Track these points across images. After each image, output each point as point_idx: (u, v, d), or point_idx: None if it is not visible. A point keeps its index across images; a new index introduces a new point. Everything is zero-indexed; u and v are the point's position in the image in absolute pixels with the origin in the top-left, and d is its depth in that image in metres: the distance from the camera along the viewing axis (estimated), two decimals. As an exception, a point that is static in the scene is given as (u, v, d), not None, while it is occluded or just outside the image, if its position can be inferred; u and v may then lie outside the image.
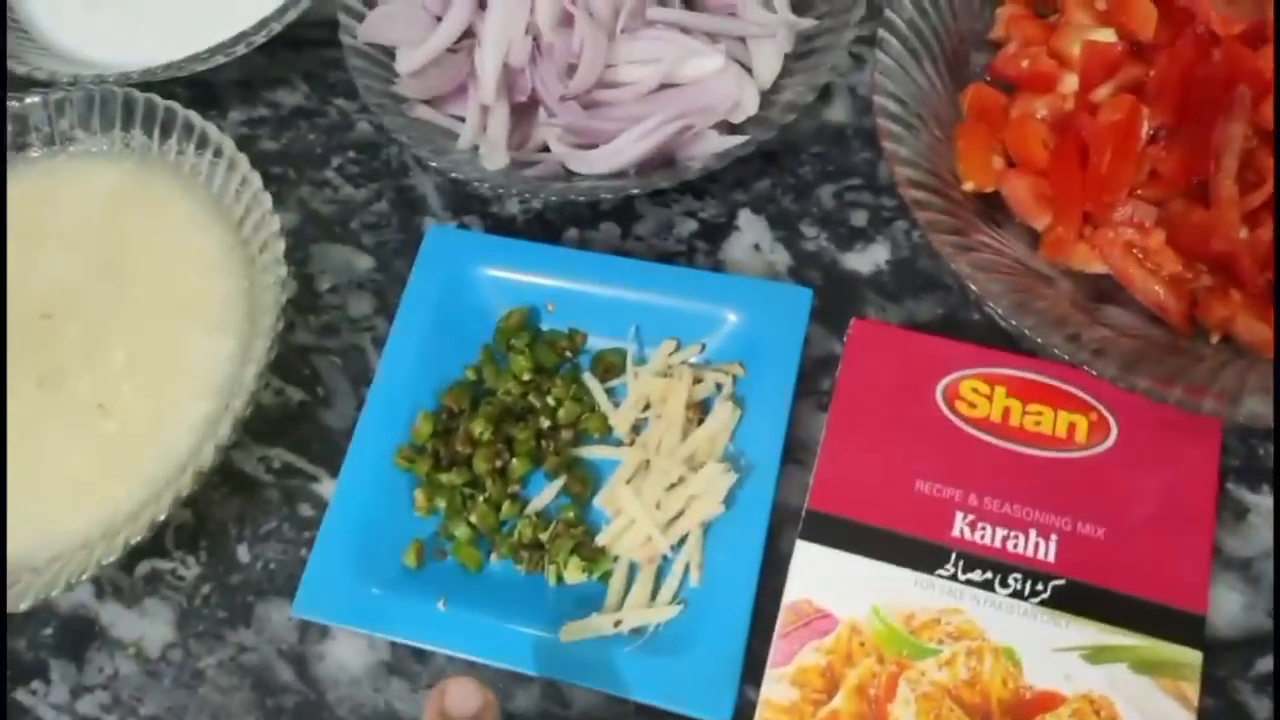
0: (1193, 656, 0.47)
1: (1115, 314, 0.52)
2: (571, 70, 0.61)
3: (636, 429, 0.56)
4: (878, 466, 0.52)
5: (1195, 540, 0.49)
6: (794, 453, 0.54)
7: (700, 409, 0.55)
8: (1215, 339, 0.52)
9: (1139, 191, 0.54)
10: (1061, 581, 0.48)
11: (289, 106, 0.70)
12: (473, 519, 0.54)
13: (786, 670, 0.48)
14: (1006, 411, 0.52)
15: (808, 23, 0.63)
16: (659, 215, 0.63)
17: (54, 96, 0.62)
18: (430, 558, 0.54)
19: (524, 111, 0.63)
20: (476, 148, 0.61)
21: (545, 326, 0.59)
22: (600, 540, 0.53)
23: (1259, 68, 0.52)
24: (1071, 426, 0.52)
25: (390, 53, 0.64)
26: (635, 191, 0.58)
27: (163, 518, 0.50)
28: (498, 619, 0.50)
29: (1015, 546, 0.49)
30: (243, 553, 0.56)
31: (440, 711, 0.39)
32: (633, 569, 0.52)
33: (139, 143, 0.62)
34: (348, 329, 0.62)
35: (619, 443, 0.55)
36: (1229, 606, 0.51)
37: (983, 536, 0.50)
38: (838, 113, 0.65)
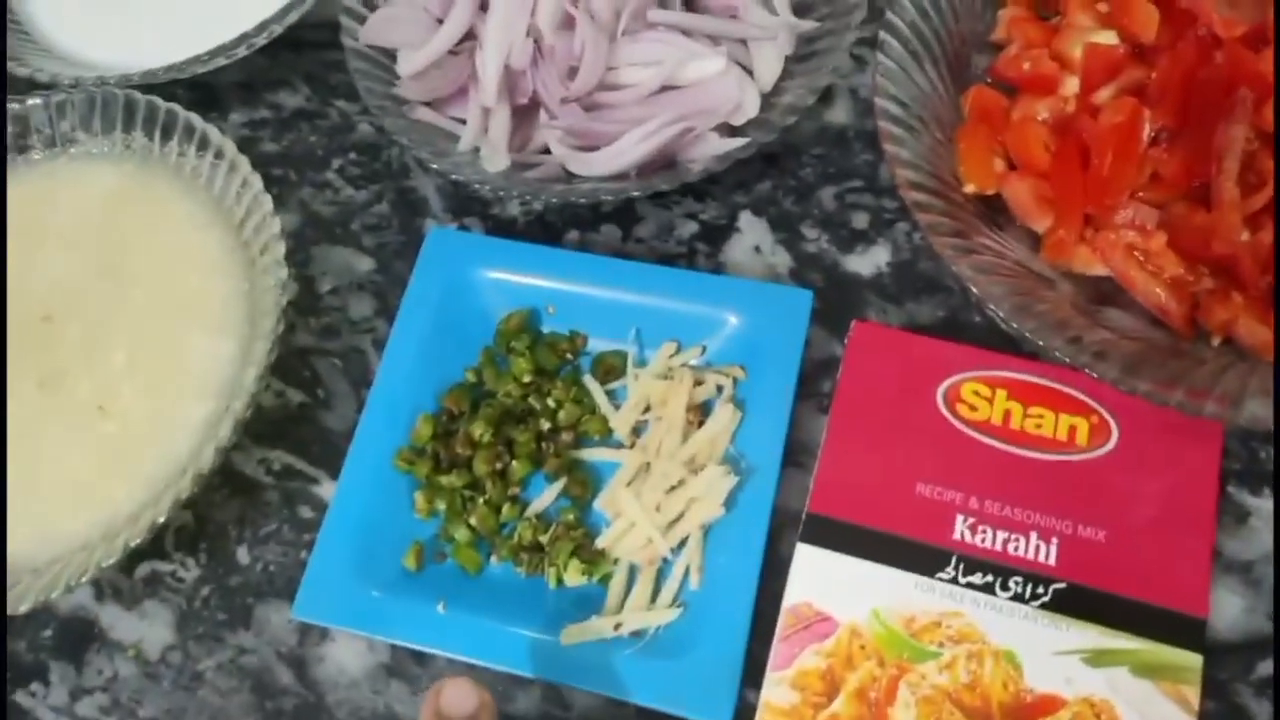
0: (1193, 660, 0.47)
1: (1116, 316, 0.52)
2: (572, 72, 0.61)
3: (637, 431, 0.56)
4: (878, 469, 0.52)
5: (1196, 543, 0.49)
6: (794, 455, 0.54)
7: (701, 411, 0.55)
8: (1217, 342, 0.52)
9: (1140, 194, 0.54)
10: (1062, 585, 0.48)
11: (290, 108, 0.70)
12: (473, 521, 0.54)
13: (786, 673, 0.48)
14: (1007, 414, 0.52)
15: (809, 25, 0.63)
16: (660, 217, 0.63)
17: (55, 98, 0.62)
18: (430, 560, 0.54)
19: (525, 114, 0.63)
20: (477, 150, 0.61)
21: (546, 328, 0.59)
22: (600, 543, 0.52)
23: (1260, 70, 0.52)
24: (1072, 429, 0.52)
25: (391, 55, 0.64)
26: (636, 194, 0.58)
27: (163, 520, 0.50)
28: (498, 621, 0.50)
29: (1016, 549, 0.49)
30: (242, 555, 0.56)
31: (435, 712, 0.39)
32: (633, 571, 0.52)
33: (140, 144, 0.62)
34: (348, 331, 0.62)
35: (619, 445, 0.55)
36: (1230, 610, 0.50)
37: (983, 540, 0.50)
38: (839, 115, 0.65)
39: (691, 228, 0.63)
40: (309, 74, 0.71)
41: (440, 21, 0.64)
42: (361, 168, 0.67)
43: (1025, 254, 0.54)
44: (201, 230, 0.60)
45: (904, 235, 0.61)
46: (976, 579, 0.49)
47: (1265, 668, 0.49)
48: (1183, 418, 0.47)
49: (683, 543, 0.52)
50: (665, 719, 0.48)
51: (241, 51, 0.65)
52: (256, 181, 0.58)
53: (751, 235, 0.62)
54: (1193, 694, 0.46)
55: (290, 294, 0.55)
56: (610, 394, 0.57)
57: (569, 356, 0.58)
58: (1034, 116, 0.57)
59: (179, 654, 0.54)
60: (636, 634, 0.50)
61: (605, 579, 0.52)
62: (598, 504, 0.54)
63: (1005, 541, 0.49)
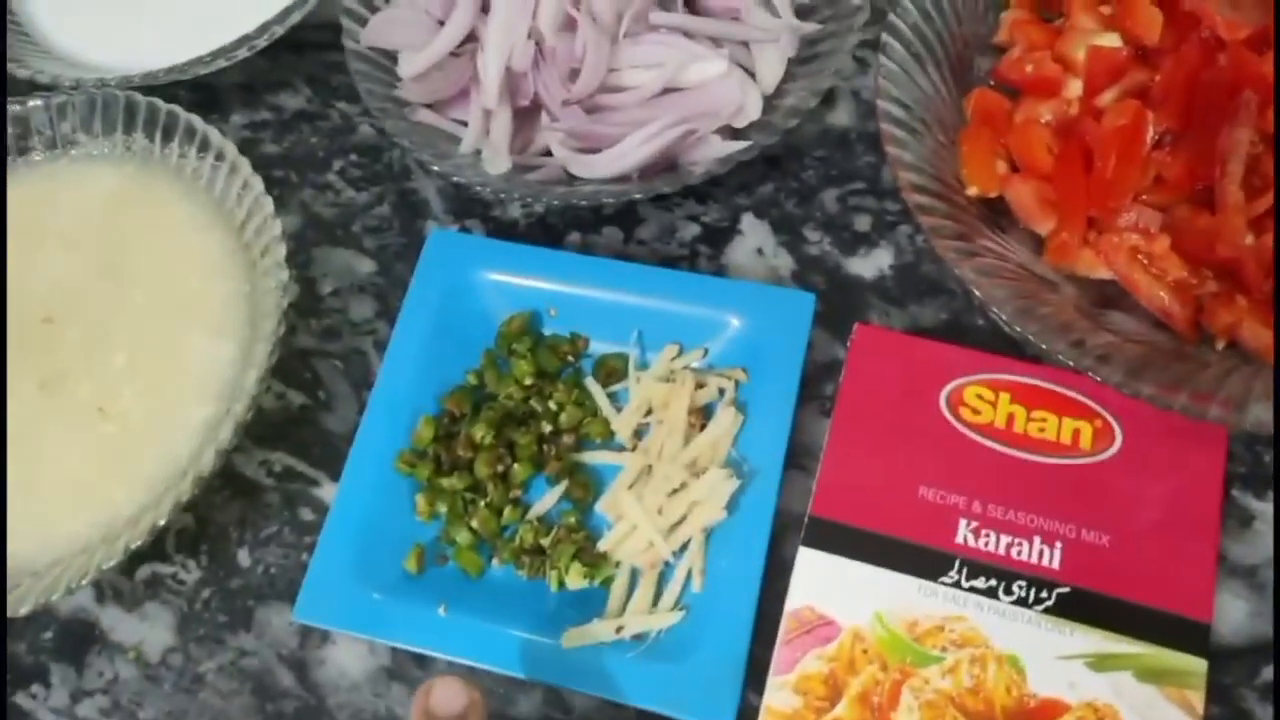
0: (1198, 664, 0.46)
1: (1120, 320, 0.52)
2: (574, 75, 0.61)
3: (639, 434, 0.55)
4: (881, 472, 0.51)
5: (1200, 547, 0.49)
6: (797, 458, 0.54)
7: (702, 414, 0.55)
8: (1221, 345, 0.51)
9: (1144, 197, 0.54)
10: (1066, 589, 0.48)
11: (291, 110, 0.70)
12: (474, 524, 0.54)
13: (789, 678, 0.48)
14: (1010, 418, 0.52)
15: (811, 27, 0.63)
16: (661, 219, 0.63)
17: (56, 100, 0.62)
18: (431, 563, 0.53)
19: (526, 116, 0.62)
20: (479, 152, 0.61)
21: (547, 331, 0.59)
22: (602, 546, 0.52)
23: (1264, 73, 0.51)
24: (1076, 433, 0.51)
25: (393, 56, 0.64)
26: (638, 196, 0.58)
27: (163, 522, 0.50)
28: (499, 624, 0.50)
29: (1019, 553, 0.49)
30: (243, 557, 0.56)
31: (425, 710, 0.39)
32: (634, 575, 0.52)
33: (141, 146, 0.62)
34: (349, 333, 0.62)
35: (621, 448, 0.55)
36: (1234, 614, 0.50)
37: (986, 543, 0.49)
38: (841, 117, 0.65)
39: (693, 230, 0.63)
40: (310, 76, 0.71)
41: (441, 23, 0.64)
42: (363, 169, 0.67)
43: (1028, 257, 0.54)
44: (202, 232, 0.60)
45: (906, 238, 0.61)
46: (980, 583, 0.49)
47: (1270, 672, 0.49)
48: (1187, 421, 0.47)
49: (685, 546, 0.52)
50: (667, 723, 0.48)
51: (243, 53, 0.65)
52: (257, 183, 0.58)
53: (753, 237, 0.62)
54: (1197, 699, 0.46)
55: (291, 296, 0.55)
56: (612, 397, 0.57)
57: (570, 359, 0.58)
58: (1037, 119, 0.57)
59: (180, 656, 0.54)
60: (638, 637, 0.50)
61: (607, 582, 0.52)
62: (599, 507, 0.54)
63: (1008, 545, 0.49)
